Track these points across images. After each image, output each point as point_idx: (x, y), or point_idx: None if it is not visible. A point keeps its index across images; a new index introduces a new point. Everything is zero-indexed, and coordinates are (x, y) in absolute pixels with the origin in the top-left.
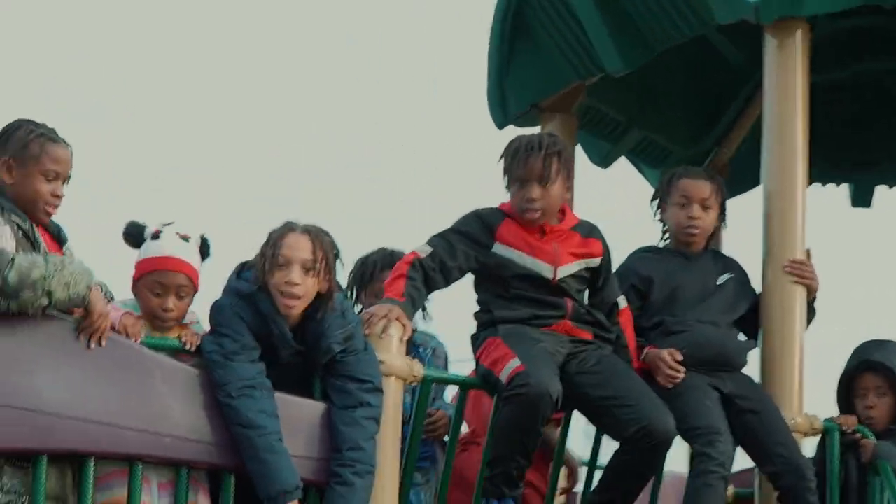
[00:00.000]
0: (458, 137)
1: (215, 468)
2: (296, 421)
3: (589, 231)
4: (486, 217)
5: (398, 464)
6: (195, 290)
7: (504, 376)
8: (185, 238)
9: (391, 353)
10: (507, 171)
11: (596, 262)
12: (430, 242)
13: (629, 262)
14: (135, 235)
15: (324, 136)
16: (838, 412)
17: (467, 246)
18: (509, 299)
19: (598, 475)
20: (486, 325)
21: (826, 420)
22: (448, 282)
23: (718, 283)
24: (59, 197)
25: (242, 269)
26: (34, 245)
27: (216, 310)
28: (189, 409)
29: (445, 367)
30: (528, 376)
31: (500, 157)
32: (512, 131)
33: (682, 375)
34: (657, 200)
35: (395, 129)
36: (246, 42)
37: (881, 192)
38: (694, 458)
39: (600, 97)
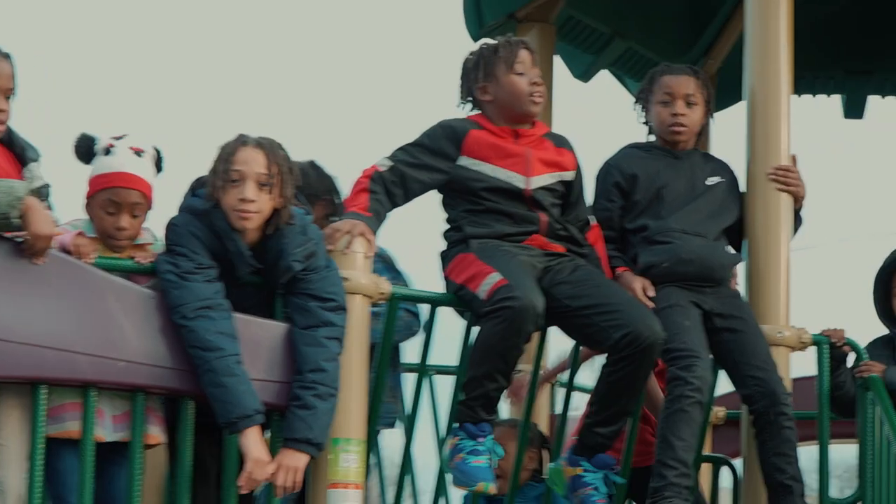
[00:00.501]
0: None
1: (172, 393)
2: (256, 343)
3: (560, 141)
4: (452, 128)
5: (365, 387)
6: (150, 207)
7: (483, 292)
8: (139, 152)
9: (356, 269)
10: (486, 69)
11: (569, 175)
12: (391, 156)
13: (614, 158)
14: (86, 149)
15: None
16: (875, 313)
17: (431, 159)
18: (480, 213)
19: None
20: (456, 242)
21: (815, 334)
22: (409, 196)
23: (708, 183)
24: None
25: (197, 186)
26: None
27: (170, 228)
28: (144, 332)
29: (395, 270)
30: (511, 289)
31: (467, 68)
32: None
33: (651, 306)
34: (640, 102)
35: (368, 44)
36: None
37: (874, 102)
38: (669, 382)
39: (580, 7)
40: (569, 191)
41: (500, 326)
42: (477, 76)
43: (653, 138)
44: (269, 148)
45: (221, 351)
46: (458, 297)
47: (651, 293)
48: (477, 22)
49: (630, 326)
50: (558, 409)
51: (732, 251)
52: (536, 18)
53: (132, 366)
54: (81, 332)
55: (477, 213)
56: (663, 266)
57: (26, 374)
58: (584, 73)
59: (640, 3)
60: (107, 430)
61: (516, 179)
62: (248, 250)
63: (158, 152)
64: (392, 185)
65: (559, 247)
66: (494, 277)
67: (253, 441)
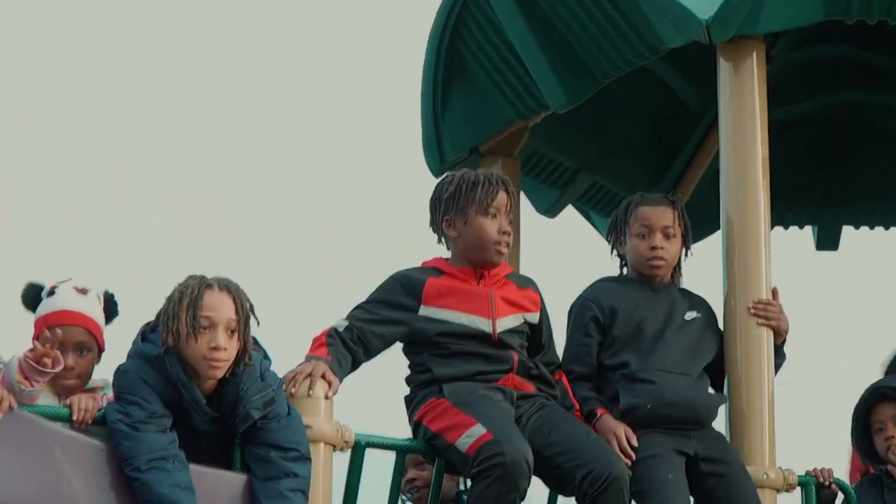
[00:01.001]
0: (392, 185)
1: None
2: (213, 495)
3: (524, 282)
4: (409, 279)
5: None
6: (99, 347)
7: (464, 445)
8: (84, 291)
9: (319, 416)
10: (459, 203)
11: (534, 316)
12: (346, 317)
13: (590, 291)
14: (33, 297)
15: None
16: (855, 451)
17: (389, 312)
18: (448, 356)
19: None
20: (425, 384)
21: (801, 475)
22: (370, 353)
23: (686, 318)
24: None
25: (148, 331)
26: None
27: (120, 375)
28: (95, 486)
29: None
30: (498, 445)
31: (439, 197)
32: None
33: (633, 456)
34: (614, 233)
35: (322, 178)
36: None
37: (848, 233)
38: None
39: (545, 140)
40: (535, 332)
41: (493, 487)
42: (448, 207)
43: (626, 271)
44: (235, 290)
45: None
46: (431, 447)
47: (634, 442)
48: (438, 156)
49: (589, 465)
50: None
51: (714, 392)
52: (500, 153)
53: None
54: (26, 487)
55: (444, 355)
56: (647, 409)
57: None
58: (549, 209)
59: (605, 137)
60: None
61: (482, 323)
62: (204, 398)
63: (111, 296)
64: (351, 343)
65: (531, 386)
66: (477, 430)
67: None
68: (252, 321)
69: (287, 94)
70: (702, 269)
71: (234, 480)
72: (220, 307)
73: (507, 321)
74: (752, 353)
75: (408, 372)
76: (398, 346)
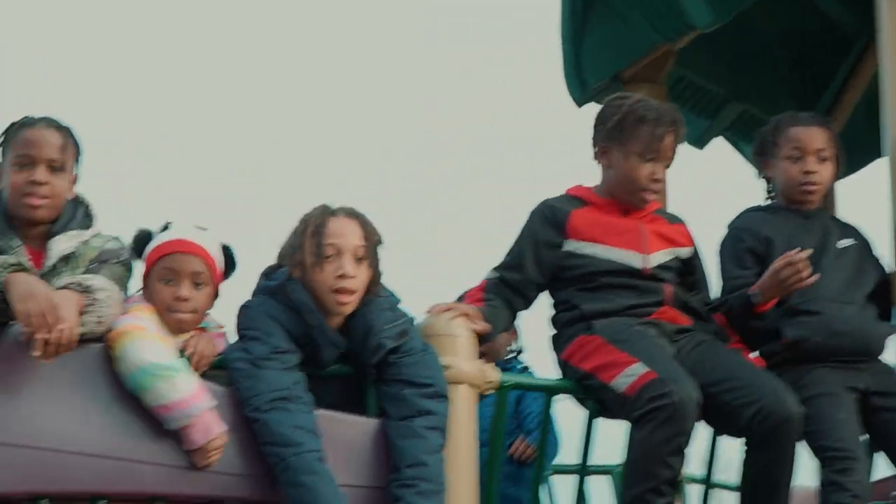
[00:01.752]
0: (536, 119)
1: None
2: (345, 443)
3: (673, 218)
4: (551, 213)
5: (476, 490)
6: (214, 285)
7: (622, 385)
8: (203, 228)
9: (458, 355)
10: (620, 137)
11: (686, 251)
12: (496, 267)
13: (741, 221)
14: (143, 242)
15: (388, 126)
16: None
17: (536, 253)
18: (596, 290)
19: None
20: (572, 321)
21: None
22: (528, 301)
23: (839, 246)
24: (38, 184)
25: (270, 270)
26: None
27: (241, 312)
28: None
29: None
30: (664, 384)
31: (603, 120)
32: (593, 109)
33: (807, 272)
34: (761, 155)
35: (465, 117)
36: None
37: None
38: (824, 485)
39: (692, 66)
40: (687, 269)
41: (660, 430)
42: (609, 135)
43: (772, 195)
44: (361, 217)
45: (300, 446)
46: (583, 387)
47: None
48: (579, 85)
49: (761, 401)
50: None
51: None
52: (644, 79)
53: (203, 474)
54: (144, 439)
55: (592, 289)
56: (815, 341)
57: (83, 489)
58: (698, 139)
59: (754, 63)
60: None
61: (633, 259)
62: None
63: (229, 247)
64: (507, 294)
65: (686, 319)
66: (637, 369)
67: None
68: (381, 250)
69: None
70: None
71: (367, 426)
72: (346, 233)
73: (659, 256)
74: None
75: (553, 309)
76: None
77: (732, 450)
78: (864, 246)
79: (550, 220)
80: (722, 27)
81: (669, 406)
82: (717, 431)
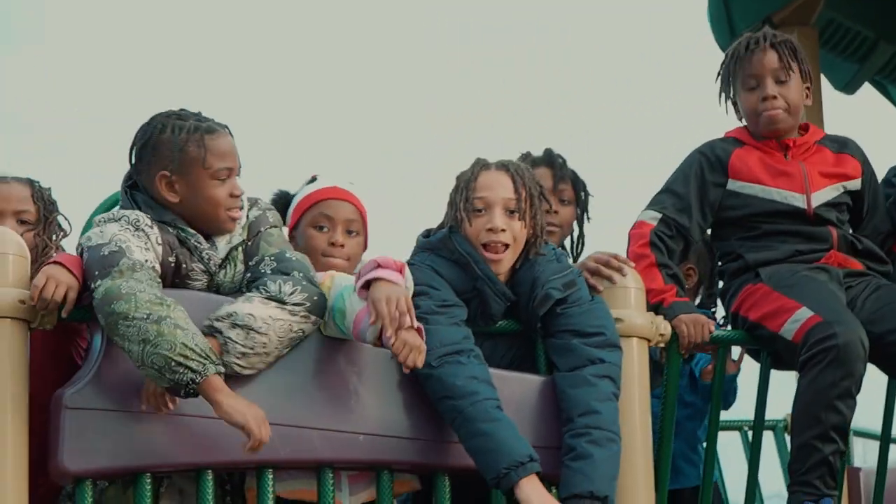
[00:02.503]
0: (679, 62)
1: (422, 469)
2: (517, 402)
3: (841, 145)
4: (712, 152)
5: (650, 445)
6: (365, 234)
7: (790, 332)
8: (350, 183)
9: (630, 308)
10: (729, 79)
11: (856, 183)
12: (655, 205)
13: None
14: (284, 204)
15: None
16: None
17: (699, 192)
18: (759, 237)
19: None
20: (739, 272)
21: None
22: (690, 245)
23: None
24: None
25: (430, 233)
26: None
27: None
28: (384, 396)
29: None
30: (829, 326)
31: (718, 73)
32: None
33: None
34: None
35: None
36: None
37: None
38: None
39: (842, 9)
40: (858, 201)
41: (826, 373)
42: (724, 80)
43: None
44: (515, 169)
45: (476, 395)
46: (753, 337)
47: None
48: (728, 29)
49: None
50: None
51: None
52: (795, 22)
53: (373, 439)
54: (311, 402)
55: (755, 237)
56: None
57: (246, 457)
58: (847, 84)
59: None
60: (343, 493)
61: (795, 199)
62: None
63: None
64: (671, 241)
65: (857, 263)
66: (803, 314)
67: (534, 491)
68: (540, 205)
69: None
70: None
71: (538, 383)
72: (495, 186)
73: (824, 194)
74: None
75: (719, 261)
76: None
77: None
78: None
79: (713, 161)
80: None
81: (834, 348)
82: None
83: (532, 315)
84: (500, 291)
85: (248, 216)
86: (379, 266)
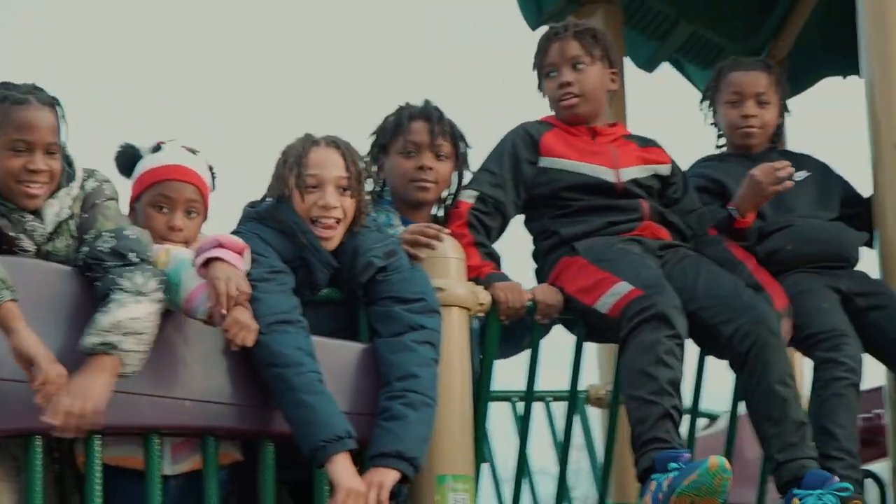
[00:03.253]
0: (487, 43)
1: (247, 436)
2: (337, 368)
3: (648, 142)
4: (525, 132)
5: (471, 415)
6: (205, 212)
7: (607, 307)
8: (193, 151)
9: (450, 277)
10: (537, 68)
11: (665, 168)
12: (472, 183)
13: (692, 171)
14: (129, 159)
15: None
16: None
17: (513, 169)
18: (572, 214)
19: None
20: (553, 248)
21: None
22: (507, 221)
23: (796, 179)
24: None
25: (256, 204)
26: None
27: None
28: (212, 363)
29: None
30: (648, 298)
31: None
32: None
33: (786, 172)
34: (707, 101)
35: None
36: None
37: None
38: (817, 368)
39: None
40: (667, 187)
41: (651, 333)
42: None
43: (722, 141)
44: (345, 146)
45: (301, 366)
46: (567, 309)
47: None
48: (535, 7)
49: (737, 319)
50: None
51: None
52: (600, 0)
53: (200, 405)
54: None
55: (568, 214)
56: (788, 249)
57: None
58: (647, 62)
59: None
60: (165, 461)
61: (604, 173)
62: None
63: (211, 168)
64: (488, 219)
65: (670, 235)
66: (622, 288)
67: (343, 469)
68: (367, 180)
69: None
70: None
71: (358, 351)
72: (327, 164)
73: (633, 171)
74: None
75: (533, 240)
76: None
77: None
78: (821, 174)
79: (525, 139)
80: None
81: (657, 313)
82: (704, 348)
83: (354, 283)
84: (325, 260)
85: (83, 187)
86: (220, 245)
